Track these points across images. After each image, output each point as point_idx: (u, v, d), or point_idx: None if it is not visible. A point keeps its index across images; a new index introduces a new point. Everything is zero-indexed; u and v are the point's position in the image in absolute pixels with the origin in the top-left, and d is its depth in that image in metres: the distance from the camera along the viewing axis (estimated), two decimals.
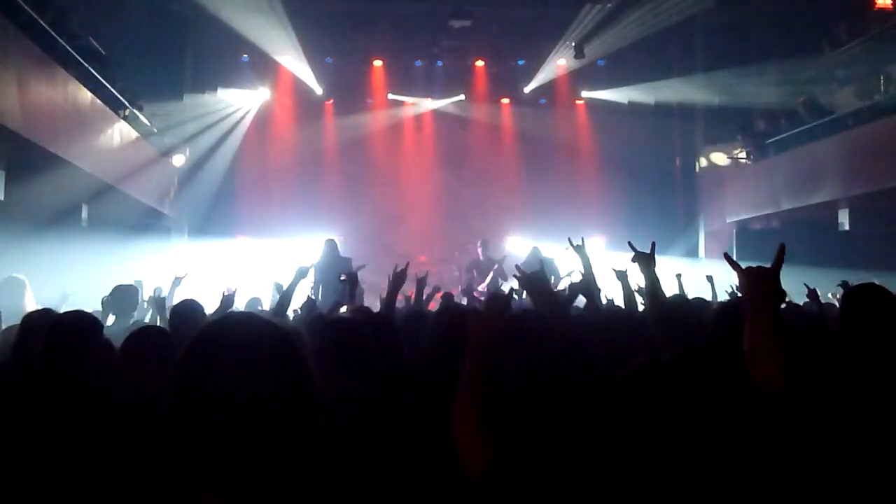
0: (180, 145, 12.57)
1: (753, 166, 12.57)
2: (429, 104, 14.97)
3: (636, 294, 4.22)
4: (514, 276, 3.52)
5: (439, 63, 14.67)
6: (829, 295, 6.75)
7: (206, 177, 12.84)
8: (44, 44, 7.29)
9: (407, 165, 14.82)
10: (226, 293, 4.58)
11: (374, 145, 14.75)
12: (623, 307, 4.22)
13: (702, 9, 12.64)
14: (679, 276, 6.26)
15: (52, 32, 7.50)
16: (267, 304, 6.68)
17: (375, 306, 5.40)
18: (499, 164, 14.75)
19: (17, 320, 3.51)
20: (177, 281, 5.69)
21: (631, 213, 13.25)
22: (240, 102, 13.88)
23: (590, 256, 3.97)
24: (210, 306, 4.45)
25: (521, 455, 1.69)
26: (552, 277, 9.07)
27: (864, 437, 1.97)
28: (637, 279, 3.59)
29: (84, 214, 9.52)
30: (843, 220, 10.90)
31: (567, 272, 8.51)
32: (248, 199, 13.73)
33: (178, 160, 12.62)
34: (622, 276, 4.27)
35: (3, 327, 4.14)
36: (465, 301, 8.69)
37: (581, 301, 3.93)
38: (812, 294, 5.56)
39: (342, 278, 5.05)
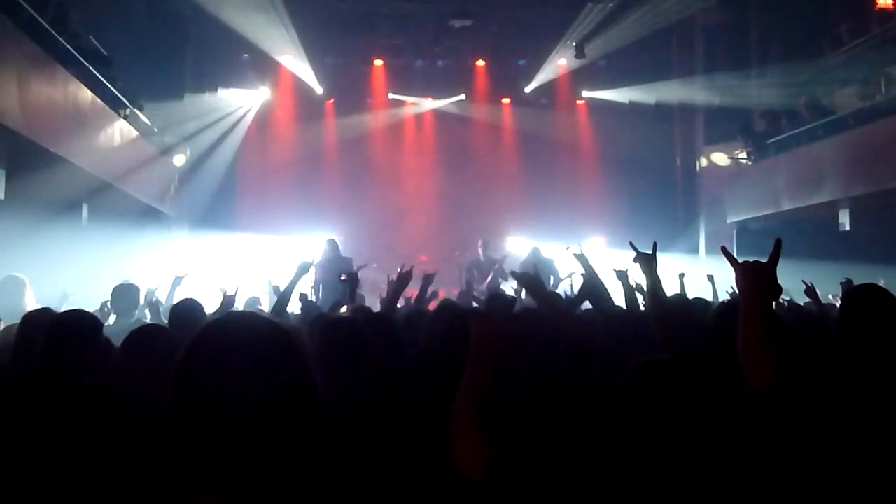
0: (181, 144, 12.55)
1: (754, 166, 12.54)
2: (429, 104, 14.96)
3: (636, 292, 4.22)
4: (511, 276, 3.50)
5: (440, 63, 14.67)
6: (830, 296, 6.73)
7: (207, 176, 12.82)
8: (44, 43, 7.27)
9: (407, 165, 14.82)
10: (227, 294, 4.57)
11: (374, 145, 14.75)
12: (623, 307, 4.21)
13: (702, 9, 12.64)
14: (682, 275, 6.23)
15: (53, 31, 7.49)
16: (266, 304, 6.66)
17: (376, 305, 5.39)
18: (499, 163, 14.75)
19: (16, 319, 3.51)
20: (177, 281, 5.68)
21: (631, 212, 13.26)
22: (240, 102, 13.85)
23: (592, 264, 3.94)
24: (210, 305, 4.44)
25: (521, 456, 1.68)
26: (551, 278, 9.07)
27: (859, 437, 1.96)
28: (637, 278, 3.59)
29: (84, 213, 9.52)
30: (844, 220, 10.90)
31: (567, 274, 8.48)
32: (248, 199, 13.74)
33: (179, 159, 12.62)
34: (622, 275, 4.27)
35: (3, 326, 4.14)
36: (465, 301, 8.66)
37: (587, 306, 3.93)
38: (810, 291, 5.46)
39: (343, 278, 5.04)
